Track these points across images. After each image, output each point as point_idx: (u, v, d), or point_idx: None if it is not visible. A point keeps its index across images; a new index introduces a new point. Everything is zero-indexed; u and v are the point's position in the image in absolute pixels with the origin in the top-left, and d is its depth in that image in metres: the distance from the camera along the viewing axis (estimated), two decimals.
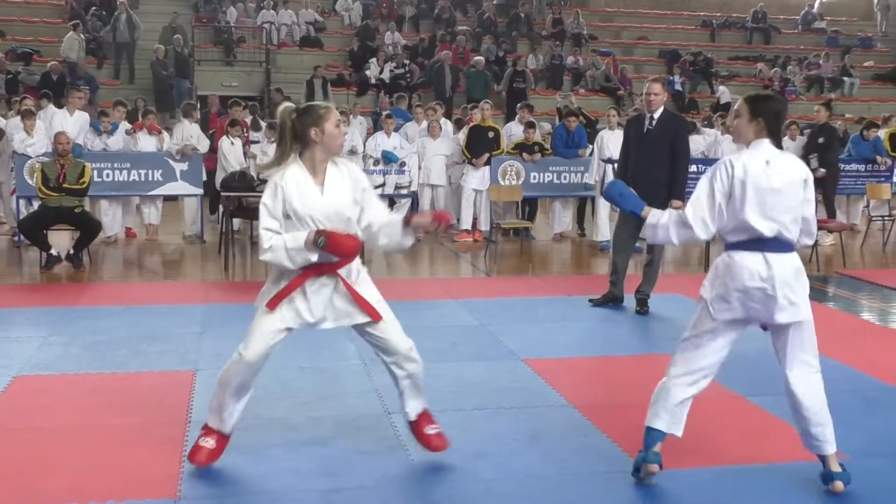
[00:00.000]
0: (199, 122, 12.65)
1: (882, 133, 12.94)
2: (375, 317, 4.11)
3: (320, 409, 5.05)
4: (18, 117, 10.92)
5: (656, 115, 7.32)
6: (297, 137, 3.96)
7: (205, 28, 20.24)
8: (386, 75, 19.29)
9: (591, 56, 21.47)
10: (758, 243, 3.88)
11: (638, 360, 5.55)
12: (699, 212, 3.89)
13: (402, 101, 14.90)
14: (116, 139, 11.25)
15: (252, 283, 8.80)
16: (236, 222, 10.74)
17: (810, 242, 4.24)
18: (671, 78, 20.88)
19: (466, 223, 11.59)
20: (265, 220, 3.97)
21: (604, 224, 10.76)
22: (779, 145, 3.95)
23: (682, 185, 7.30)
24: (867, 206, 12.83)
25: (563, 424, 4.86)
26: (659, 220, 4.04)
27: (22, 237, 9.88)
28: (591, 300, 7.57)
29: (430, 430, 4.34)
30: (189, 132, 11.34)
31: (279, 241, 3.91)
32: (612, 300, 7.55)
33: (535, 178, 11.43)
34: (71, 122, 11.21)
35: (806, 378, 4.06)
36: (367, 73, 19.47)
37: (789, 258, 3.96)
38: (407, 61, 19.71)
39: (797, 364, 4.08)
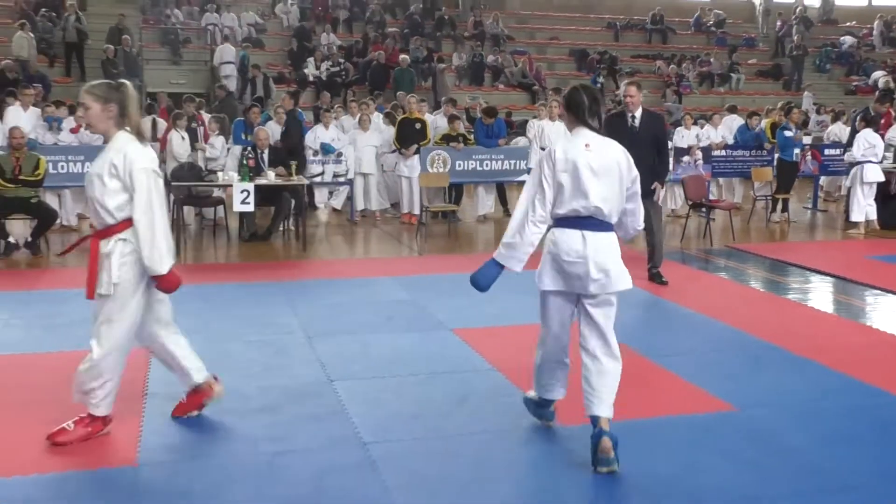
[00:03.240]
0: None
1: (763, 123, 13.29)
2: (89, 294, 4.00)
3: (268, 378, 5.01)
4: None
5: (637, 114, 7.48)
6: None
7: (152, 29, 19.72)
8: (323, 73, 19.08)
9: (508, 55, 21.56)
10: (576, 221, 3.85)
11: None
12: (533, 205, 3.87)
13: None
14: (65, 134, 10.97)
15: (203, 265, 8.66)
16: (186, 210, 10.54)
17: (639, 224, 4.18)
18: (594, 77, 21.06)
19: (407, 206, 11.58)
20: None
21: None
22: (597, 130, 3.92)
23: (665, 171, 7.81)
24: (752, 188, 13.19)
25: (488, 387, 4.91)
26: (509, 242, 3.93)
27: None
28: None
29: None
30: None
31: None
32: None
33: (460, 165, 11.47)
34: (25, 117, 10.86)
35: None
36: (306, 71, 19.24)
37: (606, 235, 3.90)
38: (342, 60, 19.52)
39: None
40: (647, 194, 7.19)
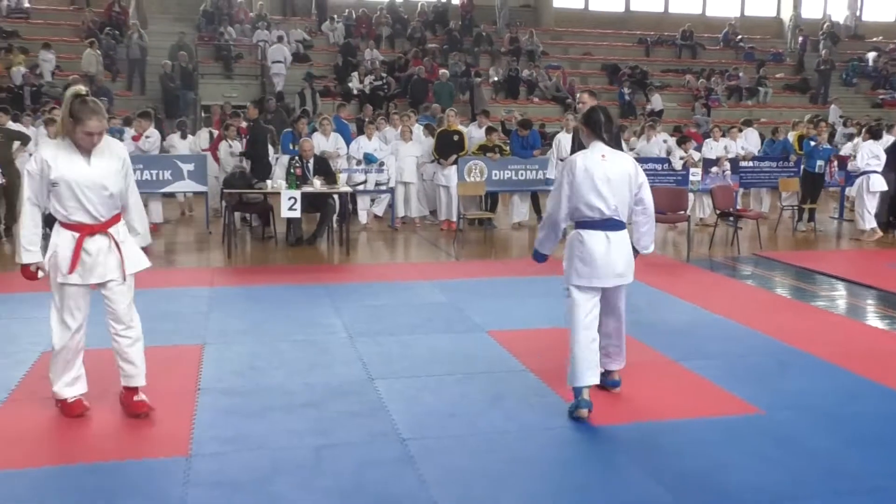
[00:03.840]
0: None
1: (791, 135, 13.09)
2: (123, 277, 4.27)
3: (313, 376, 5.04)
4: (43, 125, 10.74)
5: None
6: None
7: (207, 45, 20.00)
8: (366, 87, 19.19)
9: (543, 70, 21.49)
10: (599, 223, 4.36)
11: None
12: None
13: (343, 108, 14.42)
14: (127, 143, 11.13)
15: (252, 268, 8.75)
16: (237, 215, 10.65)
17: (649, 220, 4.67)
18: (621, 90, 20.96)
19: (446, 214, 11.62)
20: None
21: None
22: (615, 146, 4.44)
23: None
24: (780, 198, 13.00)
25: (521, 387, 4.88)
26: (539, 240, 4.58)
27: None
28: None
29: (136, 398, 4.36)
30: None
31: None
32: None
33: (496, 175, 11.45)
34: None
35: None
36: (350, 85, 19.37)
37: (623, 234, 4.44)
38: (384, 75, 19.62)
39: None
40: None
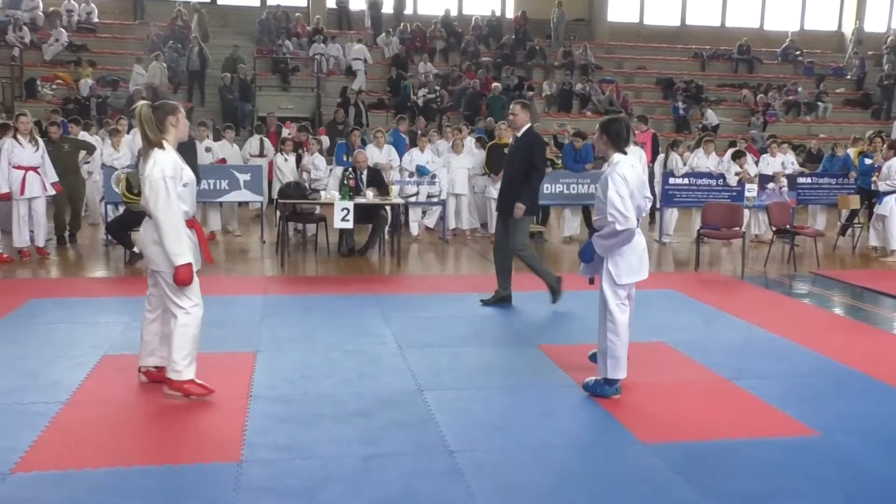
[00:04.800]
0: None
1: (851, 151, 12.77)
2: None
3: (362, 385, 5.07)
4: (108, 135, 11.06)
5: (520, 133, 7.08)
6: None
7: (265, 59, 20.37)
8: (420, 100, 19.32)
9: (596, 84, 21.37)
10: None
11: (637, 347, 5.52)
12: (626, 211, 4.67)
13: (403, 122, 14.42)
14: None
15: (304, 277, 8.85)
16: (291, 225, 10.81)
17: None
18: (675, 104, 20.72)
19: (493, 227, 11.61)
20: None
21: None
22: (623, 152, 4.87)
23: (529, 193, 7.04)
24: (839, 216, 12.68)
25: (571, 402, 4.84)
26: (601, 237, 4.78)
27: (109, 237, 10.01)
28: (482, 300, 7.38)
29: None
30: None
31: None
32: (501, 300, 7.40)
33: (547, 188, 11.40)
34: None
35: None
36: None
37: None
38: (438, 88, 19.73)
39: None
40: (509, 214, 7.07)
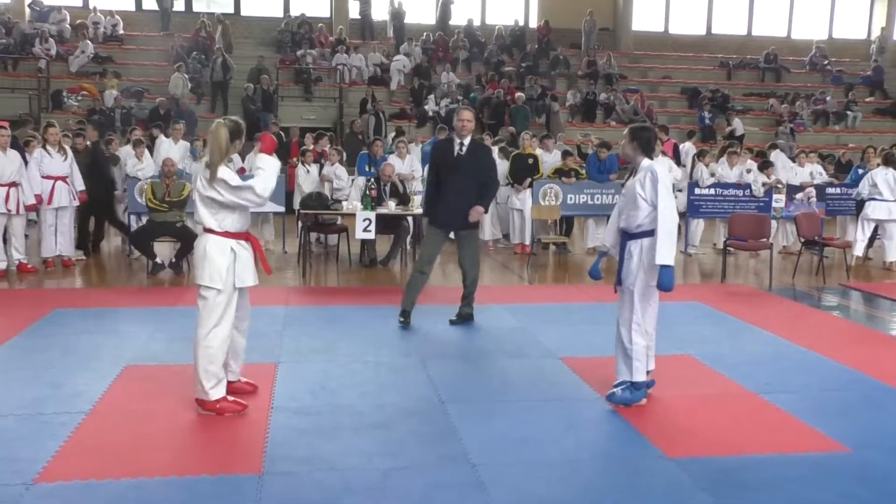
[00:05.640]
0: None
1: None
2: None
3: (384, 397, 5.06)
4: (130, 146, 11.18)
5: (466, 141, 6.81)
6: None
7: (287, 69, 20.54)
8: (442, 109, 19.38)
9: (620, 93, 21.32)
10: None
11: (663, 360, 5.47)
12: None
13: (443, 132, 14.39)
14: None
15: (326, 288, 8.88)
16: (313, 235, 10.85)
17: None
18: (702, 114, 20.60)
19: (519, 237, 11.62)
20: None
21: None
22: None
23: (487, 202, 6.94)
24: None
25: (595, 416, 4.80)
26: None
27: (132, 247, 10.12)
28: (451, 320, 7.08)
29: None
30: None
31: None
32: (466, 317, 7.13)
33: (571, 199, 11.37)
34: (175, 149, 11.45)
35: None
36: (426, 107, 19.59)
37: None
38: (460, 97, 19.78)
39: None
40: (468, 226, 6.85)
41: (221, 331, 4.59)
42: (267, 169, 4.59)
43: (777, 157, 12.88)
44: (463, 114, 6.84)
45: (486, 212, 6.96)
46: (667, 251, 4.72)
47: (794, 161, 12.95)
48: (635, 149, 4.92)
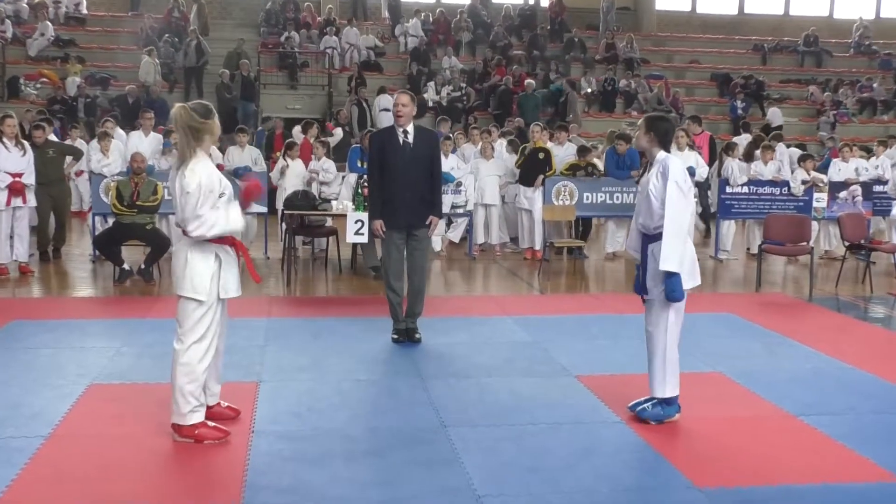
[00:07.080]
0: (258, 144, 12.91)
1: None
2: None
3: (378, 420, 5.07)
4: (96, 139, 11.18)
5: (409, 129, 6.72)
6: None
7: (270, 53, 20.55)
8: (443, 98, 19.40)
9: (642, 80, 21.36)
10: None
11: (691, 378, 5.48)
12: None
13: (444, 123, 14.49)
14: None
15: (313, 297, 8.88)
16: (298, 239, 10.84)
17: None
18: (734, 102, 20.62)
19: (528, 241, 11.65)
20: None
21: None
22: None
23: (440, 200, 6.95)
24: None
25: (615, 441, 4.80)
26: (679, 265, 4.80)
27: (97, 252, 10.13)
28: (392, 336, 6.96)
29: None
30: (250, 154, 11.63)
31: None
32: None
33: (588, 198, 11.37)
34: (146, 143, 11.36)
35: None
36: (425, 96, 19.58)
37: None
38: (463, 84, 19.80)
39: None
40: (424, 224, 6.80)
41: (203, 346, 4.57)
42: (230, 221, 4.53)
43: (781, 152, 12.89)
44: (400, 98, 6.79)
45: (439, 219, 6.97)
46: (673, 255, 4.73)
47: (833, 157, 12.94)
48: (651, 140, 4.96)
